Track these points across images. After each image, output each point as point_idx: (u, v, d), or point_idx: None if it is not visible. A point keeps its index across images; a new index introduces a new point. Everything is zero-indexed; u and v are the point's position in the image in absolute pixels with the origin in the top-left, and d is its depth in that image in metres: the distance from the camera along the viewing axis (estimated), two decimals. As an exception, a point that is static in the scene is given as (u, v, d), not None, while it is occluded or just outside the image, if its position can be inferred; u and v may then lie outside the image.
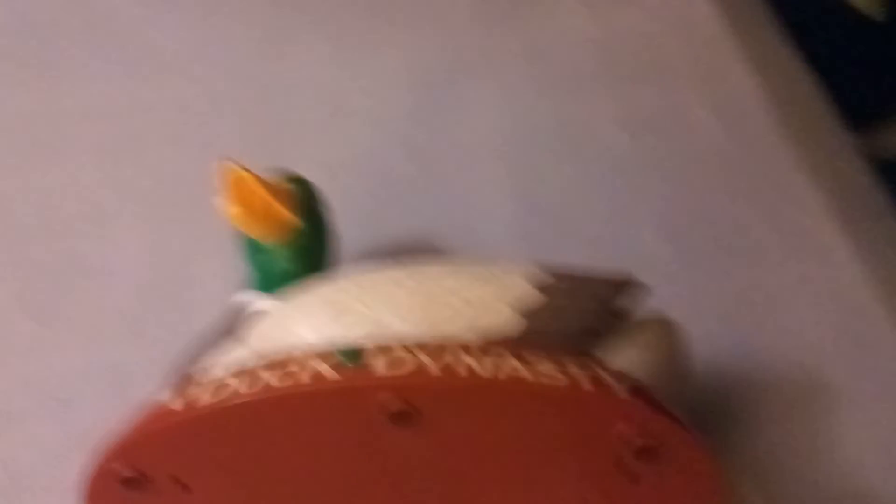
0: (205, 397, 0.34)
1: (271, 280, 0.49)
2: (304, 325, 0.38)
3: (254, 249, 0.50)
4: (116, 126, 0.73)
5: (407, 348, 0.34)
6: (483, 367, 0.33)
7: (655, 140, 0.67)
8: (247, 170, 0.46)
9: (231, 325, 0.46)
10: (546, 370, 0.33)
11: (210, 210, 0.62)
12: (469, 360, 0.33)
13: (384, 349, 0.34)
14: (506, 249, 0.61)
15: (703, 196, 0.63)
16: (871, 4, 1.02)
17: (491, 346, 0.35)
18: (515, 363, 0.33)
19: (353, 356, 0.34)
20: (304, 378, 0.33)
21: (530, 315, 0.37)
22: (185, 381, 0.42)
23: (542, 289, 0.38)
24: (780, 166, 0.64)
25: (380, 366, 0.33)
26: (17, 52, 0.82)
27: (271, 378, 0.34)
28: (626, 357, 0.39)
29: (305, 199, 0.50)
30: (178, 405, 0.34)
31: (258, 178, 0.46)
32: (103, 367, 0.56)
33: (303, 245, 0.49)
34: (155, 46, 0.80)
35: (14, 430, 0.54)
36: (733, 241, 0.59)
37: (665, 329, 0.42)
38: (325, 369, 0.33)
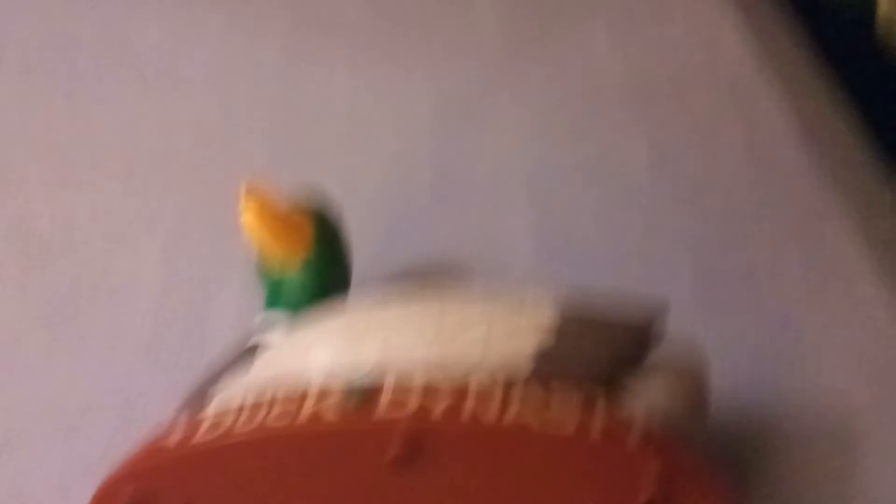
0: (199, 434, 0.33)
1: (285, 306, 0.48)
2: (312, 354, 0.37)
3: (268, 274, 0.49)
4: (141, 149, 0.73)
5: (410, 388, 0.33)
6: (488, 412, 0.32)
7: (682, 170, 0.66)
8: (265, 190, 0.45)
9: (243, 353, 0.45)
10: (554, 417, 0.32)
11: (230, 235, 0.62)
12: (474, 402, 0.32)
13: (387, 389, 0.33)
14: (526, 277, 0.59)
15: (731, 230, 0.61)
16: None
17: (499, 387, 0.34)
18: (522, 408, 0.32)
19: (355, 395, 0.33)
20: (303, 418, 0.32)
21: (541, 358, 0.36)
22: (189, 412, 0.41)
23: (556, 331, 0.37)
24: (811, 201, 0.62)
25: (382, 406, 0.32)
26: (47, 76, 0.83)
27: (269, 416, 0.33)
28: (643, 399, 0.38)
29: (323, 224, 0.50)
30: (173, 440, 0.33)
31: (275, 201, 0.46)
32: (114, 392, 0.55)
33: (318, 270, 0.48)
34: (179, 71, 0.81)
35: (22, 454, 0.53)
36: (761, 278, 0.57)
37: (686, 370, 0.40)
38: (324, 409, 0.32)
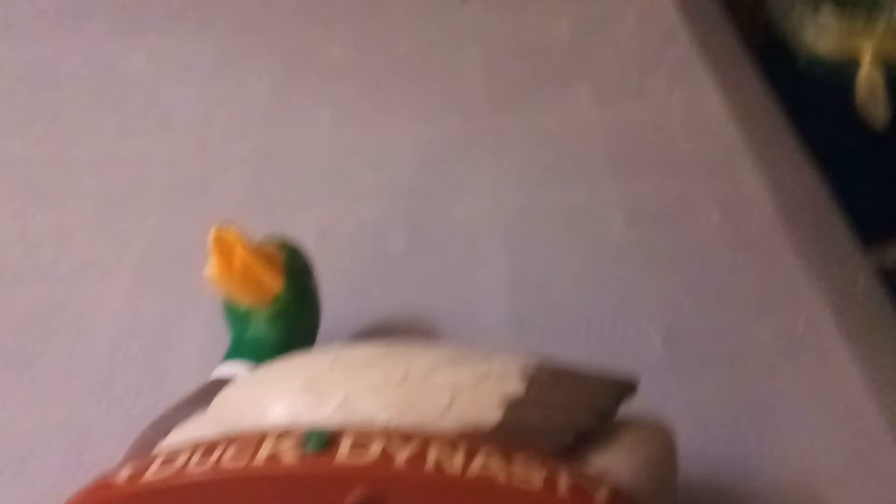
0: (152, 470, 0.32)
1: (248, 347, 0.47)
2: (271, 397, 0.36)
3: (234, 314, 0.48)
4: (115, 179, 0.72)
5: (373, 434, 0.32)
6: (453, 461, 0.31)
7: (659, 233, 0.66)
8: (233, 231, 0.45)
9: (202, 394, 0.44)
10: (520, 470, 0.31)
11: (199, 271, 0.60)
12: (439, 450, 0.31)
13: (349, 433, 0.32)
14: (499, 336, 0.58)
15: (705, 295, 0.60)
16: (877, 113, 1.03)
17: (465, 438, 0.33)
18: (488, 460, 0.31)
19: (315, 438, 0.31)
20: (260, 459, 0.31)
21: (512, 407, 0.35)
22: (143, 448, 0.39)
23: (527, 379, 0.36)
24: (785, 268, 0.62)
25: (343, 452, 0.31)
26: (26, 99, 0.82)
27: (224, 456, 0.31)
28: (611, 459, 0.37)
29: (291, 266, 0.49)
30: (122, 477, 0.32)
31: (242, 240, 0.45)
32: (67, 424, 0.54)
33: (283, 312, 0.47)
34: (162, 104, 0.80)
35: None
36: (734, 344, 0.57)
37: (655, 433, 0.39)
38: (284, 451, 0.31)
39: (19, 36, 0.91)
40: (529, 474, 0.31)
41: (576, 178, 0.71)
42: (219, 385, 0.43)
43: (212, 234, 0.44)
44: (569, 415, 0.36)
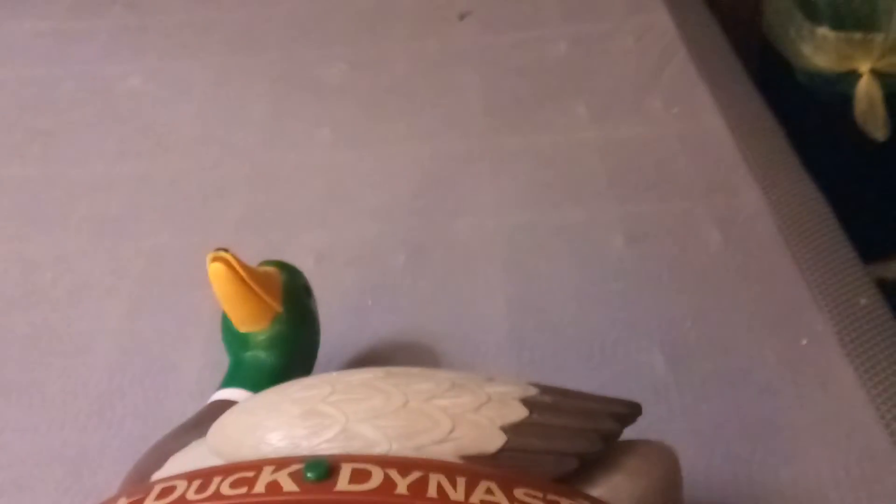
0: (150, 499, 0.31)
1: (246, 370, 0.46)
2: (270, 425, 0.36)
3: (232, 336, 0.48)
4: (112, 199, 0.72)
5: (374, 461, 0.32)
6: (455, 490, 0.30)
7: (659, 250, 0.65)
8: (231, 253, 0.45)
9: (200, 420, 0.43)
10: (523, 498, 0.30)
11: (197, 294, 0.60)
12: (440, 479, 0.30)
13: (349, 461, 0.32)
14: (499, 356, 0.58)
15: (707, 314, 0.60)
16: (876, 126, 1.03)
17: (467, 465, 0.32)
18: (491, 487, 0.30)
19: (315, 468, 0.31)
20: (260, 489, 0.30)
21: (513, 430, 0.35)
22: (139, 477, 0.39)
23: (528, 404, 0.35)
24: (787, 285, 0.62)
25: (343, 481, 0.30)
26: (26, 123, 0.82)
27: (223, 486, 0.31)
28: (614, 483, 0.36)
29: (290, 288, 0.48)
30: (120, 507, 0.31)
31: (239, 263, 0.45)
32: (64, 449, 0.53)
33: (282, 335, 0.47)
34: (160, 126, 0.80)
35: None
36: (735, 363, 0.57)
37: (658, 455, 0.39)
38: (283, 481, 0.31)
39: (17, 58, 0.91)
40: (533, 500, 0.30)
41: (575, 197, 0.71)
42: (216, 412, 0.42)
43: (209, 258, 0.44)
44: (572, 439, 0.35)
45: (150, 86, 0.86)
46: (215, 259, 0.44)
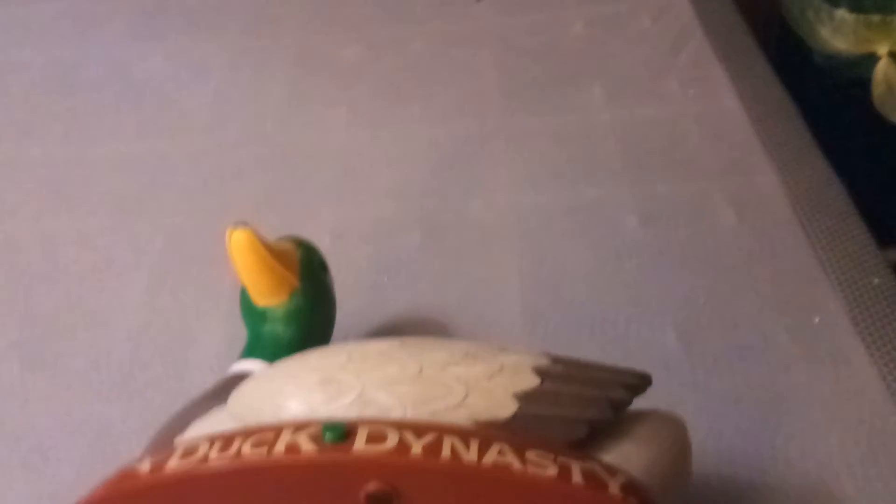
0: (173, 461, 0.32)
1: (264, 344, 0.47)
2: (288, 392, 0.37)
3: (250, 310, 0.49)
4: (132, 178, 0.73)
5: (389, 425, 0.33)
6: (468, 452, 0.31)
7: (673, 231, 0.66)
8: (248, 230, 0.45)
9: (220, 389, 0.44)
10: (535, 459, 0.31)
11: (216, 270, 0.61)
12: (454, 441, 0.31)
13: (366, 424, 0.33)
14: (513, 333, 0.59)
15: (720, 293, 0.60)
16: (894, 108, 1.02)
17: (480, 428, 0.33)
18: (503, 450, 0.31)
19: (333, 430, 0.32)
20: (279, 449, 0.31)
21: (525, 398, 0.35)
22: (163, 441, 0.40)
23: (540, 372, 0.36)
24: (800, 266, 0.62)
25: (360, 442, 0.31)
26: (45, 102, 0.83)
27: (244, 446, 0.32)
28: (624, 450, 0.37)
29: (307, 263, 0.49)
30: (144, 468, 0.33)
31: (258, 237, 0.46)
32: (88, 420, 0.54)
33: (299, 309, 0.48)
34: (178, 107, 0.81)
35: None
36: (748, 341, 0.57)
37: (667, 424, 0.39)
38: (302, 442, 0.32)
39: (38, 40, 0.92)
40: (544, 464, 0.31)
41: (590, 178, 0.71)
42: (236, 381, 0.44)
43: (228, 232, 0.45)
44: (582, 407, 0.36)
45: (169, 67, 0.87)
46: (236, 232, 0.45)
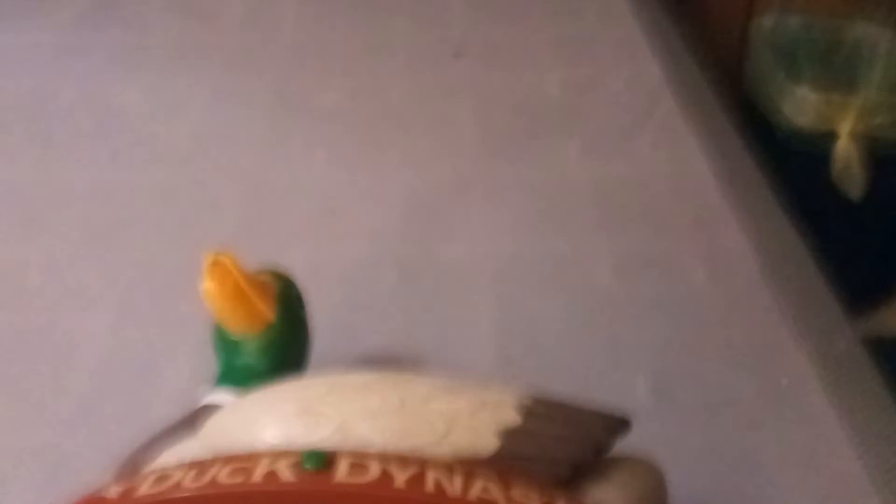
0: (143, 488, 0.31)
1: (237, 374, 0.46)
2: (265, 421, 0.36)
3: (223, 340, 0.48)
4: (104, 208, 0.72)
5: (372, 456, 0.32)
6: (452, 485, 0.30)
7: (646, 284, 0.66)
8: (229, 255, 0.45)
9: (190, 419, 0.43)
10: (520, 496, 0.31)
11: (187, 303, 0.60)
12: (438, 475, 0.31)
13: (347, 454, 0.32)
14: (484, 375, 0.58)
15: (691, 347, 0.61)
16: (851, 185, 1.05)
17: (462, 464, 0.33)
18: (488, 484, 0.31)
19: (313, 458, 0.31)
20: (257, 476, 0.30)
21: (507, 435, 0.35)
22: (129, 469, 0.39)
23: (523, 410, 0.36)
24: (768, 325, 0.63)
25: (342, 472, 0.30)
26: (22, 128, 0.82)
27: (220, 473, 0.31)
28: (605, 493, 0.37)
29: (284, 295, 0.49)
30: (113, 494, 0.31)
31: (238, 265, 0.45)
32: (45, 448, 0.52)
33: (274, 340, 0.47)
34: (155, 139, 0.81)
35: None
36: (718, 397, 0.58)
37: (646, 471, 0.39)
38: (281, 469, 0.31)
39: (16, 67, 0.92)
40: (528, 500, 0.31)
41: (564, 229, 0.72)
42: (207, 411, 0.42)
43: (209, 257, 0.44)
44: (565, 447, 0.36)
45: (148, 101, 0.87)
46: (216, 260, 0.44)
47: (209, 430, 0.38)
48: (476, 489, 0.30)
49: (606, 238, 0.71)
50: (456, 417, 0.35)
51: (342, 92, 0.89)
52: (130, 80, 0.89)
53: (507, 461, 0.35)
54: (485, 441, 0.35)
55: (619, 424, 0.38)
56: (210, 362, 0.48)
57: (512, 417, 0.36)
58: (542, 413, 0.36)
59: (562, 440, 0.36)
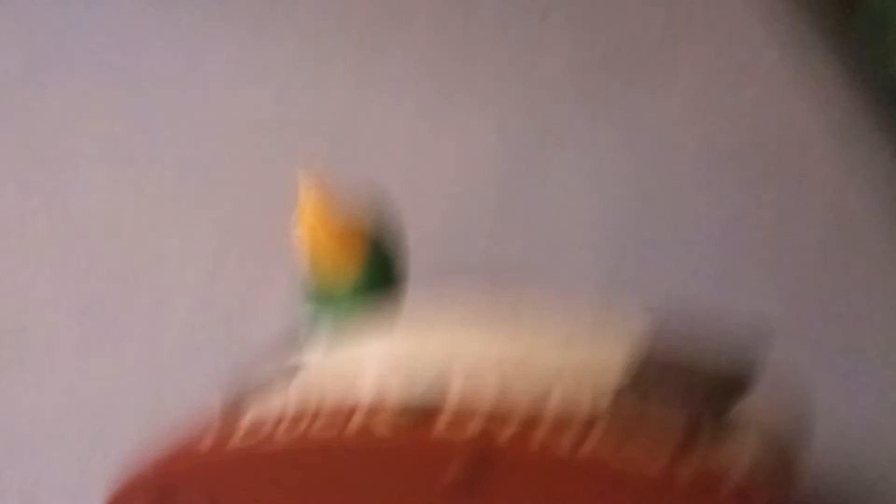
0: (235, 439, 0.30)
1: (331, 322, 0.45)
2: (358, 372, 0.34)
3: (315, 288, 0.46)
4: (195, 145, 0.72)
5: (473, 411, 0.30)
6: (560, 443, 0.28)
7: (755, 238, 0.62)
8: (324, 196, 0.43)
9: (284, 366, 0.42)
10: (636, 455, 0.28)
11: (281, 238, 0.59)
12: (543, 432, 0.28)
13: (447, 410, 0.30)
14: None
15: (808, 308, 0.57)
16: None
17: (570, 422, 0.30)
18: (599, 444, 0.28)
19: (409, 413, 0.29)
20: (351, 431, 0.29)
21: (618, 398, 0.32)
22: (222, 418, 0.38)
23: (636, 370, 0.33)
24: (891, 277, 0.59)
25: (440, 426, 0.28)
26: (113, 76, 0.82)
27: (313, 426, 0.29)
28: (735, 444, 0.33)
29: (374, 250, 0.47)
30: (205, 444, 0.30)
31: (332, 210, 0.43)
32: (145, 394, 0.53)
33: (368, 287, 0.45)
34: (242, 75, 0.80)
35: (40, 460, 0.50)
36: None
37: (780, 413, 0.36)
38: (375, 424, 0.29)
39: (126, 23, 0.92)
40: (646, 461, 0.28)
41: (664, 180, 0.68)
42: (298, 364, 0.41)
43: (302, 193, 0.43)
44: (686, 399, 0.33)
45: (238, 45, 0.85)
46: (306, 201, 0.42)
47: (303, 381, 0.37)
48: (587, 446, 0.28)
49: (709, 196, 0.67)
50: (562, 375, 0.33)
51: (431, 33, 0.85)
52: (227, 23, 0.88)
53: (619, 420, 0.32)
54: (592, 402, 0.32)
55: (743, 386, 0.34)
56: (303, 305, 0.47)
57: (623, 377, 0.33)
58: (656, 374, 0.34)
59: (689, 385, 0.33)
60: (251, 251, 0.62)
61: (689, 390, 0.34)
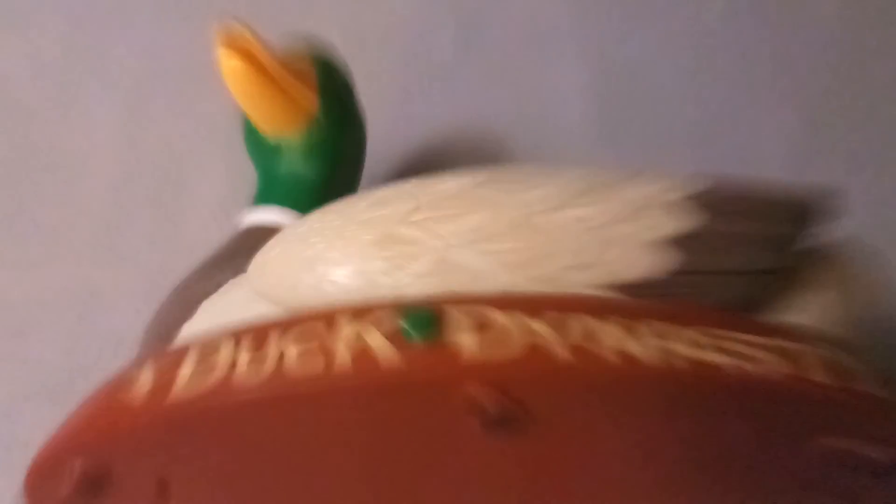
0: (181, 383, 0.21)
1: (282, 187, 0.36)
2: (333, 256, 0.25)
3: (258, 145, 0.37)
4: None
5: (488, 302, 0.21)
6: (607, 334, 0.20)
7: (761, 18, 0.52)
8: (253, 34, 0.33)
9: (233, 249, 0.33)
10: (746, 350, 0.20)
11: (209, 92, 0.48)
12: (586, 321, 0.20)
13: (461, 306, 0.21)
14: (583, 141, 0.47)
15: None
16: None
17: (616, 297, 0.22)
18: (656, 327, 0.20)
19: (418, 322, 0.21)
20: (342, 359, 0.20)
21: (681, 246, 0.24)
22: (162, 335, 0.29)
23: (700, 205, 0.25)
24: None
25: (467, 342, 0.20)
26: None
27: (286, 355, 0.21)
28: (812, 314, 0.26)
29: (327, 83, 0.37)
30: (139, 396, 0.22)
31: (263, 50, 0.33)
32: (65, 287, 0.44)
33: (321, 141, 0.36)
34: None
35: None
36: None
37: (860, 269, 0.28)
38: (375, 344, 0.20)
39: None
40: (761, 356, 0.20)
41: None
42: (253, 236, 0.32)
43: (222, 32, 0.32)
44: (753, 253, 0.25)
45: None
46: (230, 49, 0.32)
47: (260, 269, 0.28)
48: (643, 336, 0.20)
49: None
50: (601, 227, 0.24)
51: None
52: None
53: (681, 282, 0.24)
54: (646, 256, 0.24)
55: (810, 210, 0.26)
56: (246, 165, 0.38)
57: (685, 218, 0.24)
58: (726, 211, 0.25)
59: (750, 248, 0.25)
60: (177, 106, 0.50)
61: (754, 225, 0.25)
